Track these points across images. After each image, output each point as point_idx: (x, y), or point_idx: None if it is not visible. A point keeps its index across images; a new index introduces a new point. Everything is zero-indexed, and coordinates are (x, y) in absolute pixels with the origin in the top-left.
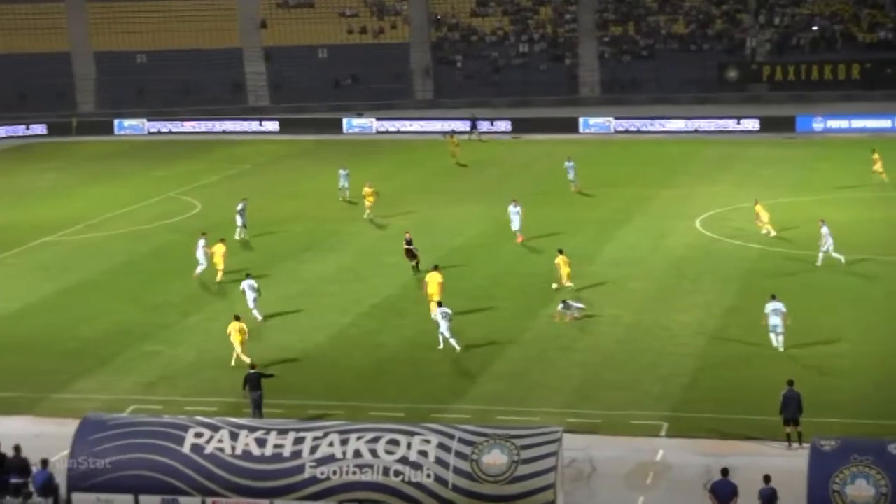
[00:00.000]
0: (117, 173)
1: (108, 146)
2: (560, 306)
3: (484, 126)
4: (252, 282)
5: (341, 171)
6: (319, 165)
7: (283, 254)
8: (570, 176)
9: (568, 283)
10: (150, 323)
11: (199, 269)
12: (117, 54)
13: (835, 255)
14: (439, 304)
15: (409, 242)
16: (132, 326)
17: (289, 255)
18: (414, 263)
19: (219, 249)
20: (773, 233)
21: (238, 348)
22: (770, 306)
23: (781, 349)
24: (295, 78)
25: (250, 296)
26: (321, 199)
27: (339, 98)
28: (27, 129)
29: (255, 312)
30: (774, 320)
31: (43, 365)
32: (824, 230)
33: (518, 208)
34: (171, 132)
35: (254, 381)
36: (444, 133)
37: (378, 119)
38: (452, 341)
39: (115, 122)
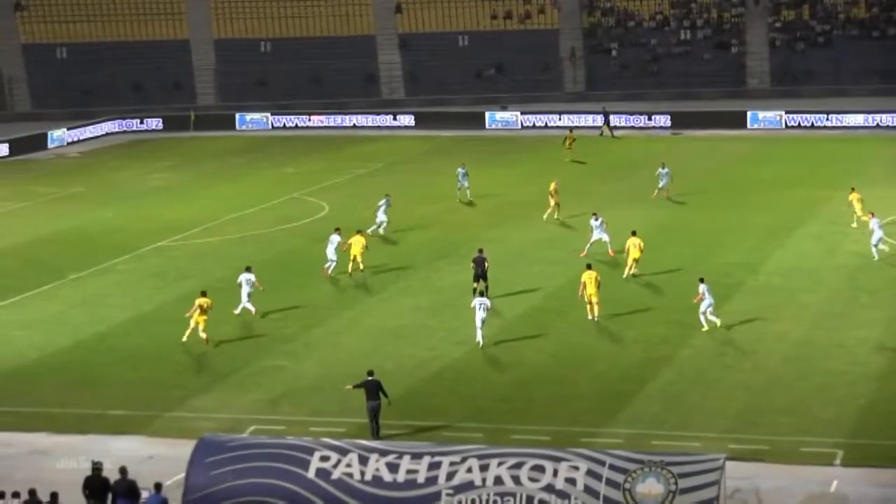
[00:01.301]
0: (238, 172)
1: (228, 142)
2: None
3: (639, 120)
4: (251, 276)
5: (459, 170)
6: (459, 164)
7: (416, 261)
8: (662, 183)
9: (634, 271)
10: (272, 334)
11: (331, 265)
12: (239, 42)
13: None
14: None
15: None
16: (252, 339)
17: (423, 262)
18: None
19: (357, 241)
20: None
21: (197, 324)
22: None
23: None
24: (433, 68)
25: (245, 289)
26: (453, 202)
27: (481, 90)
28: (141, 123)
29: (249, 305)
30: None
31: (156, 380)
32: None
33: (600, 221)
34: (296, 127)
35: (372, 390)
36: (569, 129)
37: (523, 113)
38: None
39: (237, 115)
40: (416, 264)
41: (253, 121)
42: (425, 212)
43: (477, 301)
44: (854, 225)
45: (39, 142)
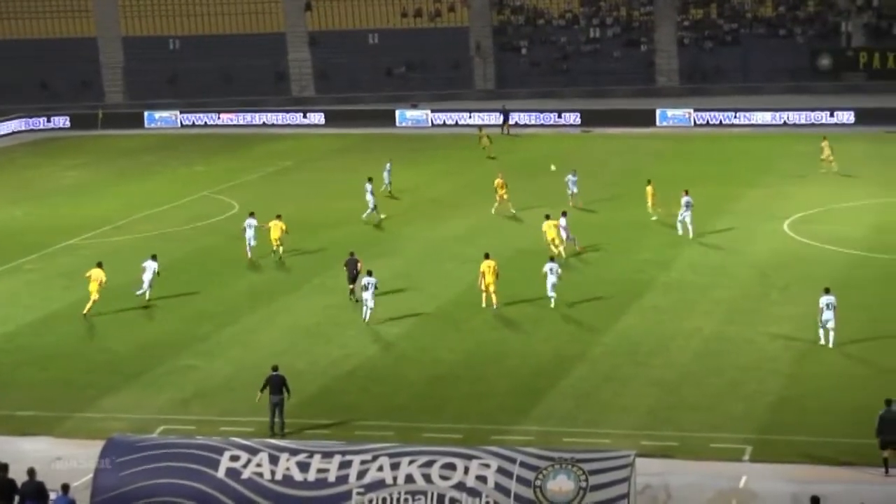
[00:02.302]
0: (148, 170)
1: (137, 140)
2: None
3: (549, 118)
4: (154, 264)
5: (386, 165)
6: (370, 162)
7: (330, 260)
8: (573, 190)
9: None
10: (186, 334)
11: (250, 248)
12: (148, 39)
13: None
14: (369, 273)
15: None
16: (166, 338)
17: (336, 260)
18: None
19: (276, 225)
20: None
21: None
22: (824, 300)
23: (831, 346)
24: (343, 66)
25: (148, 275)
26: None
27: (391, 88)
28: (49, 121)
29: (147, 290)
30: (827, 315)
31: (66, 380)
32: None
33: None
34: (206, 125)
35: (276, 384)
36: (479, 127)
37: (434, 111)
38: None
39: (146, 114)
40: (330, 262)
41: (162, 119)
42: (338, 209)
43: (366, 280)
44: (654, 218)
45: None
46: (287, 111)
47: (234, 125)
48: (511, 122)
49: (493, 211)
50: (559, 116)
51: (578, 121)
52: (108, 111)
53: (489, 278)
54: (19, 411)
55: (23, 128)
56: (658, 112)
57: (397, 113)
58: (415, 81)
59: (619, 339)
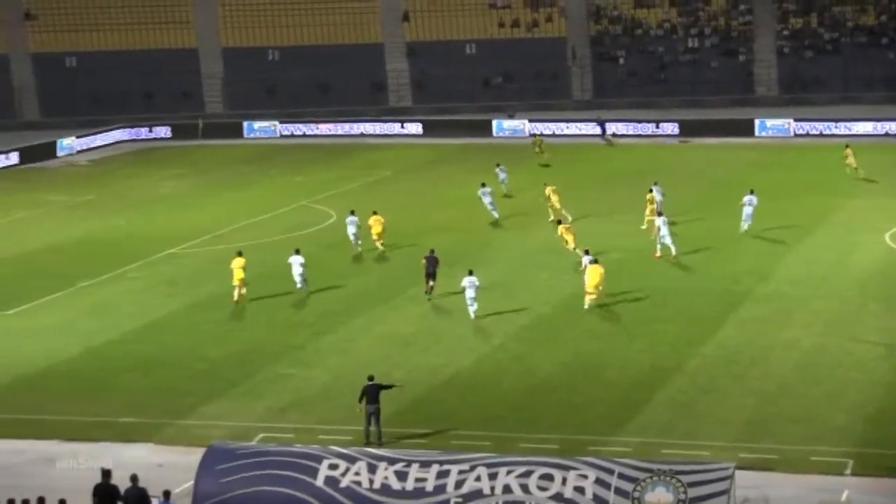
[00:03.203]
0: (246, 180)
1: (236, 150)
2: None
3: (647, 129)
4: (301, 259)
5: (499, 170)
6: (466, 172)
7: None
8: (659, 199)
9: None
10: (283, 343)
11: (356, 244)
12: (247, 50)
13: None
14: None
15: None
16: (265, 346)
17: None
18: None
19: (376, 221)
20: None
21: (236, 283)
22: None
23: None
24: (440, 76)
25: (297, 270)
26: (468, 208)
27: (488, 98)
28: (150, 131)
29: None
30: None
31: (167, 387)
32: None
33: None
34: (304, 135)
35: (372, 394)
36: (532, 134)
37: (531, 121)
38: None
39: (245, 124)
40: (411, 271)
41: (261, 129)
42: (435, 219)
43: (467, 280)
44: (551, 218)
45: (49, 150)
46: (384, 121)
47: (332, 135)
48: (609, 132)
49: (550, 220)
50: (657, 126)
51: (676, 131)
52: (208, 121)
53: (595, 279)
54: (121, 417)
55: (125, 137)
56: (757, 122)
57: (494, 123)
58: (511, 91)
59: (717, 351)
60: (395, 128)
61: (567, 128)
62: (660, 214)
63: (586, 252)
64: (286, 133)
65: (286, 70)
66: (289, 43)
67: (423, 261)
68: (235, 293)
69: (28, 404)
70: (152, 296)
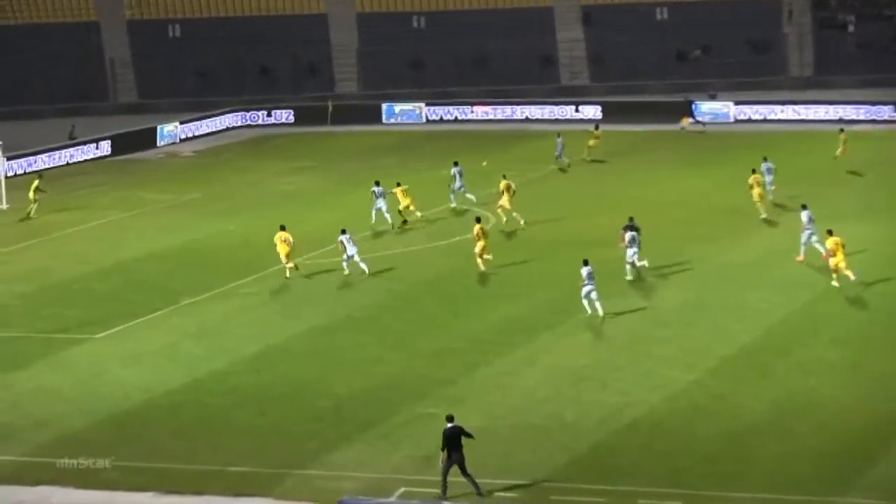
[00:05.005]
0: (387, 174)
1: (373, 138)
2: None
3: (881, 112)
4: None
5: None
6: (655, 166)
7: (602, 286)
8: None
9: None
10: (426, 376)
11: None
12: (388, 16)
13: None
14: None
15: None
16: (404, 380)
17: (610, 286)
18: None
19: (403, 193)
20: None
21: (283, 259)
22: None
23: None
24: (623, 47)
25: (351, 249)
26: (654, 211)
27: (682, 75)
28: (269, 115)
29: (363, 265)
30: None
31: (286, 429)
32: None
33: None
34: (456, 120)
35: (453, 439)
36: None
37: (737, 103)
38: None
39: (384, 106)
40: (602, 289)
41: (403, 112)
42: (606, 225)
43: (584, 271)
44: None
45: (147, 138)
46: (555, 103)
47: (490, 120)
48: (696, 118)
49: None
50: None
51: None
52: (339, 103)
53: (839, 255)
54: (232, 466)
55: (238, 123)
56: None
57: (692, 105)
58: (713, 67)
59: None
60: (567, 111)
61: (782, 111)
62: (804, 208)
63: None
64: (433, 117)
65: (434, 40)
66: (437, 7)
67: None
68: (288, 271)
69: (122, 447)
70: (268, 317)
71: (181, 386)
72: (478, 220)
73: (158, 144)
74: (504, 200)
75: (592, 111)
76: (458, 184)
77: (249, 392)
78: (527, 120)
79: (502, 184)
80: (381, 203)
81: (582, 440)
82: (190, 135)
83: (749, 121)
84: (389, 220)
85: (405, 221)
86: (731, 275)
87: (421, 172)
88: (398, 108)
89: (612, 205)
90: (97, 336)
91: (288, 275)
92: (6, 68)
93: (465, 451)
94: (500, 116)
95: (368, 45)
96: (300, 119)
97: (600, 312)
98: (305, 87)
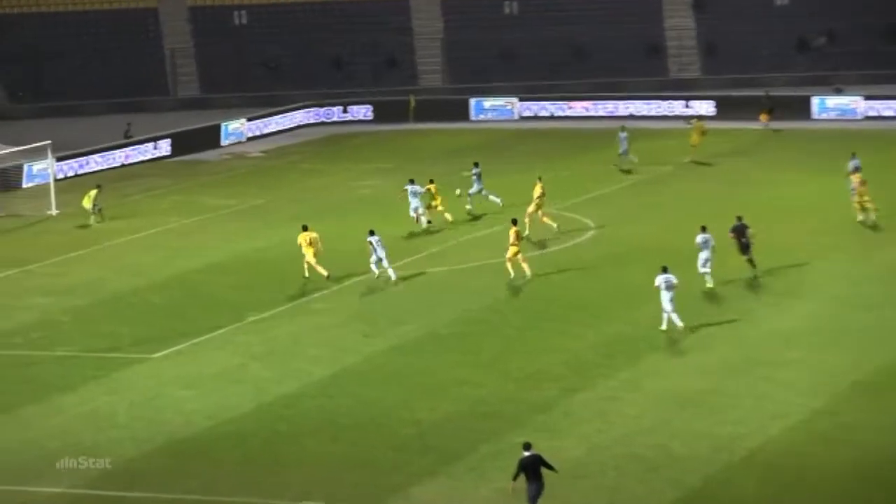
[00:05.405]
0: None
1: (459, 137)
2: None
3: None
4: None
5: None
6: (776, 167)
7: (721, 301)
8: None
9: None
10: (521, 401)
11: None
12: (475, 2)
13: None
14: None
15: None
16: (495, 406)
17: (730, 302)
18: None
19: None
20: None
21: (311, 259)
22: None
23: None
24: (739, 36)
25: (381, 252)
26: (777, 217)
27: (805, 67)
28: (345, 111)
29: (391, 271)
30: None
31: (363, 459)
32: None
33: None
34: (552, 117)
35: (532, 468)
36: (687, 118)
37: (866, 98)
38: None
39: (472, 101)
40: (721, 305)
41: (493, 108)
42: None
43: (661, 278)
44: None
45: (211, 137)
46: (662, 98)
47: (589, 116)
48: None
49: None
50: None
51: None
52: (422, 98)
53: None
54: (303, 501)
55: (311, 120)
56: None
57: (814, 101)
58: (839, 57)
59: None
60: (676, 107)
61: None
62: None
63: None
64: (527, 114)
65: (527, 28)
66: None
67: (731, 235)
68: (318, 270)
69: (184, 478)
70: (343, 335)
71: (247, 411)
72: (514, 221)
73: (222, 144)
74: (532, 207)
75: (704, 107)
76: (476, 187)
77: (322, 418)
78: (630, 117)
79: (537, 188)
80: (415, 202)
81: (693, 473)
82: (257, 133)
83: (880, 118)
84: (425, 223)
85: (429, 222)
86: (863, 290)
87: (511, 176)
88: (487, 103)
89: (724, 210)
90: (154, 356)
91: (308, 274)
92: (55, 60)
93: (565, 486)
94: (600, 113)
95: (455, 34)
96: (379, 116)
97: (679, 324)
98: (385, 81)
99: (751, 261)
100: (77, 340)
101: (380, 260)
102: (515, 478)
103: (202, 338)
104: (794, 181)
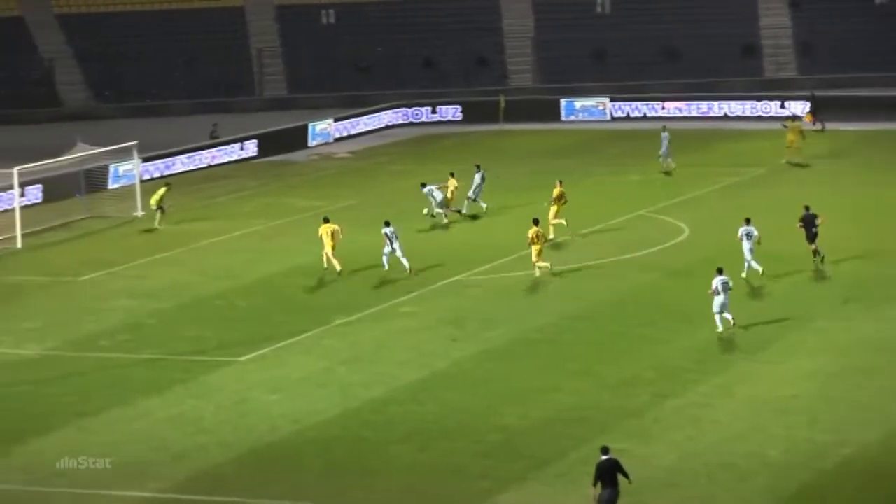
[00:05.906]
0: (565, 179)
1: (550, 138)
2: None
3: None
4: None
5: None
6: (871, 171)
7: (817, 308)
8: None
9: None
10: (612, 407)
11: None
12: (566, 1)
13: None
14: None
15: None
16: (585, 412)
17: (825, 308)
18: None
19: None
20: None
21: (329, 251)
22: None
23: None
24: (837, 35)
25: (395, 243)
26: (882, 222)
27: None
28: (434, 111)
29: (404, 260)
30: None
31: (451, 466)
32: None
33: None
34: (645, 117)
35: (608, 473)
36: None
37: None
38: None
39: (563, 102)
40: (817, 311)
41: (585, 109)
42: (834, 240)
43: (718, 280)
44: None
45: (298, 137)
46: (758, 98)
47: (683, 117)
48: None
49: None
50: None
51: None
52: (512, 98)
53: None
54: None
55: (399, 120)
56: None
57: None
58: None
59: None
60: (772, 107)
61: None
62: None
63: None
64: (619, 114)
65: (619, 27)
66: None
67: (799, 225)
68: (334, 263)
69: (269, 484)
70: (432, 339)
71: (333, 417)
72: (535, 221)
73: (310, 144)
74: (552, 212)
75: (800, 107)
76: (473, 191)
77: (410, 424)
78: (725, 117)
79: (556, 191)
80: (439, 196)
81: (788, 481)
82: (345, 133)
83: None
84: (446, 221)
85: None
86: None
87: (603, 177)
88: (579, 103)
89: (835, 214)
90: (240, 359)
91: (326, 266)
92: (140, 60)
93: (655, 494)
94: (694, 113)
95: (546, 33)
96: (468, 116)
97: (731, 321)
98: (475, 81)
99: (816, 251)
100: (163, 343)
101: (392, 251)
102: (595, 483)
103: (288, 341)
104: (870, 181)
